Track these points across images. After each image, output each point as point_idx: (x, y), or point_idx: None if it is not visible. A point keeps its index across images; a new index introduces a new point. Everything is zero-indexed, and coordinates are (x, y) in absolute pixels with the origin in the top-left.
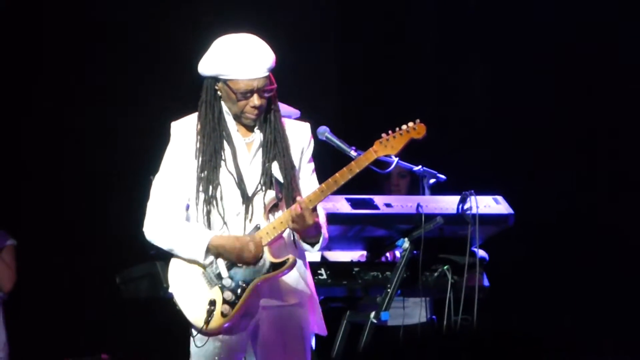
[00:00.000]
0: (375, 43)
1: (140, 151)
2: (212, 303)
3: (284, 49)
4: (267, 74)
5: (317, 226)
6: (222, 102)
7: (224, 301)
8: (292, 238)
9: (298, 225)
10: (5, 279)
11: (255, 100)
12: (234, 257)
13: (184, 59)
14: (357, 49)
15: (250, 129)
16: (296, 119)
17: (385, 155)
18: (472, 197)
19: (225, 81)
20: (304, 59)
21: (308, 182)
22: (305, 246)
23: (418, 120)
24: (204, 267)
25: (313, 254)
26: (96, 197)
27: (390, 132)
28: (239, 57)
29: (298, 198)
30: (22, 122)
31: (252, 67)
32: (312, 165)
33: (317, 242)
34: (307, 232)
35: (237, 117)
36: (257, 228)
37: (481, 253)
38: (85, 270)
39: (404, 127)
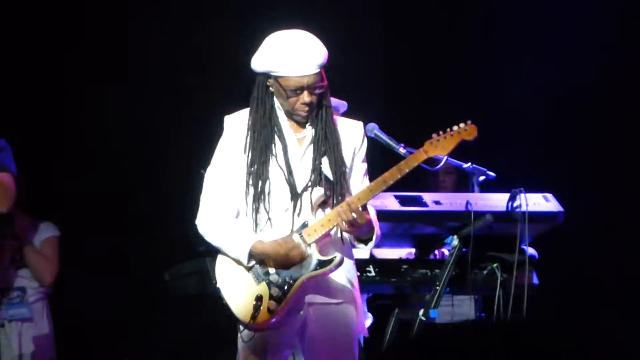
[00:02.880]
0: (422, 40)
1: (193, 145)
2: (259, 299)
3: (332, 45)
4: (317, 70)
5: (369, 224)
6: (274, 98)
7: (271, 297)
8: (339, 235)
9: (349, 226)
10: (45, 271)
11: (306, 97)
12: (278, 263)
13: (236, 57)
14: (405, 47)
15: (302, 124)
16: (344, 112)
17: (435, 156)
18: (522, 195)
19: (276, 78)
20: (351, 56)
21: (360, 182)
22: (359, 245)
23: (469, 122)
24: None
25: (361, 251)
26: (145, 192)
27: (441, 132)
28: (289, 54)
29: (347, 199)
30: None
31: (302, 64)
32: (365, 165)
33: (371, 239)
34: (360, 230)
35: (289, 114)
36: (304, 225)
37: (530, 251)
38: (133, 265)
39: (455, 127)
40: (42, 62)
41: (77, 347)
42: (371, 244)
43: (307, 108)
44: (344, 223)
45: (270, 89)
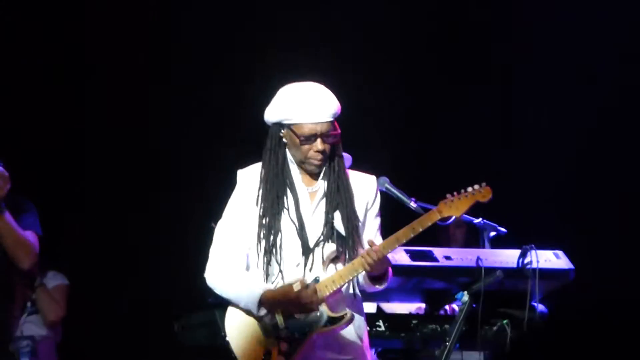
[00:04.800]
0: (430, 89)
1: (208, 199)
2: (268, 353)
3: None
4: (331, 119)
5: (387, 263)
6: (287, 150)
7: (280, 352)
8: (350, 292)
9: (371, 267)
10: (50, 310)
11: (319, 145)
12: (289, 306)
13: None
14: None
15: (314, 177)
16: (349, 166)
17: (448, 216)
18: (533, 252)
19: (289, 126)
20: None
21: (373, 237)
22: (373, 283)
23: (484, 184)
24: (260, 317)
25: (369, 306)
26: (155, 241)
27: (455, 193)
28: (303, 101)
29: (374, 247)
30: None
31: (316, 111)
32: (379, 220)
33: (384, 278)
34: (378, 270)
35: (302, 164)
36: (316, 280)
37: (541, 308)
38: (144, 316)
39: (469, 189)
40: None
41: None
42: (385, 283)
43: (320, 157)
44: (367, 264)
45: (284, 140)
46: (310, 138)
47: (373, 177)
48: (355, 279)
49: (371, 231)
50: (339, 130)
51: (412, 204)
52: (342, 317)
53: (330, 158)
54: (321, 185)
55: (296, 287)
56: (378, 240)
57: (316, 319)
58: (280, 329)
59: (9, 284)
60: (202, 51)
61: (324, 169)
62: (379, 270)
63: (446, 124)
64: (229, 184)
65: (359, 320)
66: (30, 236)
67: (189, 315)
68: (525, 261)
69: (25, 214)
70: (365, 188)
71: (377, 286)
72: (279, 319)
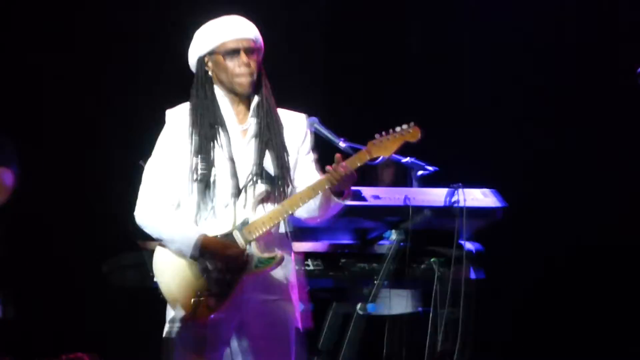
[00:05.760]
0: (364, 40)
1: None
2: (199, 295)
3: (273, 42)
4: (252, 37)
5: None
6: (215, 86)
7: (210, 293)
8: (280, 232)
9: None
10: None
11: (243, 57)
12: (219, 264)
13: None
14: (346, 46)
15: (245, 111)
16: (316, 126)
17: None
18: (460, 190)
19: (211, 52)
20: (292, 52)
21: (308, 172)
22: (336, 199)
23: (413, 123)
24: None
25: (299, 246)
26: (90, 183)
27: (384, 133)
28: (221, 24)
29: (341, 163)
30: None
31: (236, 28)
32: (311, 157)
33: (348, 196)
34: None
35: (231, 86)
36: (245, 222)
37: (470, 246)
38: (73, 257)
39: (398, 129)
40: None
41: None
42: (348, 199)
43: (246, 70)
44: (334, 179)
45: (209, 73)
46: (233, 53)
47: (303, 115)
48: (287, 218)
49: (306, 168)
50: (263, 50)
51: (342, 144)
52: (272, 259)
53: (258, 90)
54: (252, 122)
55: (234, 252)
56: (314, 173)
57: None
58: (210, 271)
59: None
60: None
61: (254, 105)
62: (344, 187)
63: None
64: (158, 126)
65: (287, 260)
66: (3, 173)
67: (118, 257)
68: (453, 199)
69: None
70: (295, 126)
71: (340, 201)
72: (210, 262)
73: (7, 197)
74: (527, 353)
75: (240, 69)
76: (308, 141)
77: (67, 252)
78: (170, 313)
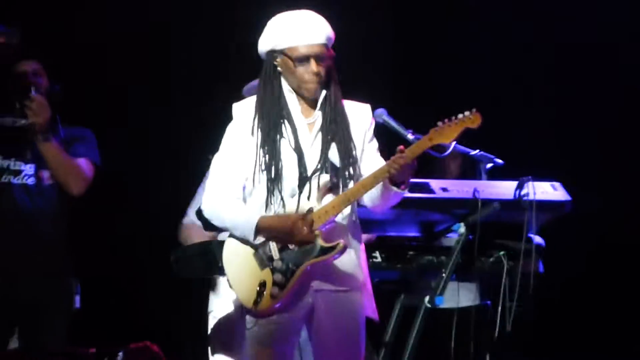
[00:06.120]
0: (430, 29)
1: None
2: (263, 284)
3: (340, 31)
4: (324, 42)
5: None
6: (283, 80)
7: (274, 283)
8: (344, 222)
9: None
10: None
11: (313, 66)
12: (285, 235)
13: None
14: (412, 35)
15: (312, 107)
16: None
17: (440, 144)
18: (530, 183)
19: (283, 51)
20: (359, 43)
21: (373, 160)
22: (394, 189)
23: (474, 110)
24: (256, 248)
25: (366, 238)
26: (153, 176)
27: (446, 120)
28: (295, 25)
29: (403, 153)
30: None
31: (308, 33)
32: (376, 144)
33: (407, 185)
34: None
35: (299, 89)
36: (310, 211)
37: (538, 239)
38: (138, 249)
39: (459, 115)
40: None
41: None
42: (407, 188)
43: (315, 79)
44: (393, 169)
45: (278, 69)
46: (303, 60)
47: (367, 105)
48: (353, 207)
49: (370, 156)
50: (333, 53)
51: (409, 136)
52: (334, 247)
53: (326, 87)
54: (318, 116)
55: (293, 218)
56: (378, 160)
57: (309, 250)
58: (274, 260)
59: None
60: None
61: (321, 100)
62: (404, 177)
63: (443, 58)
64: (225, 119)
65: (357, 250)
66: (83, 163)
67: (185, 246)
68: (522, 193)
69: (78, 143)
70: (360, 117)
71: (399, 191)
72: (274, 250)
73: (86, 187)
74: (552, 349)
75: (309, 77)
76: (371, 131)
77: (133, 242)
78: (212, 305)
